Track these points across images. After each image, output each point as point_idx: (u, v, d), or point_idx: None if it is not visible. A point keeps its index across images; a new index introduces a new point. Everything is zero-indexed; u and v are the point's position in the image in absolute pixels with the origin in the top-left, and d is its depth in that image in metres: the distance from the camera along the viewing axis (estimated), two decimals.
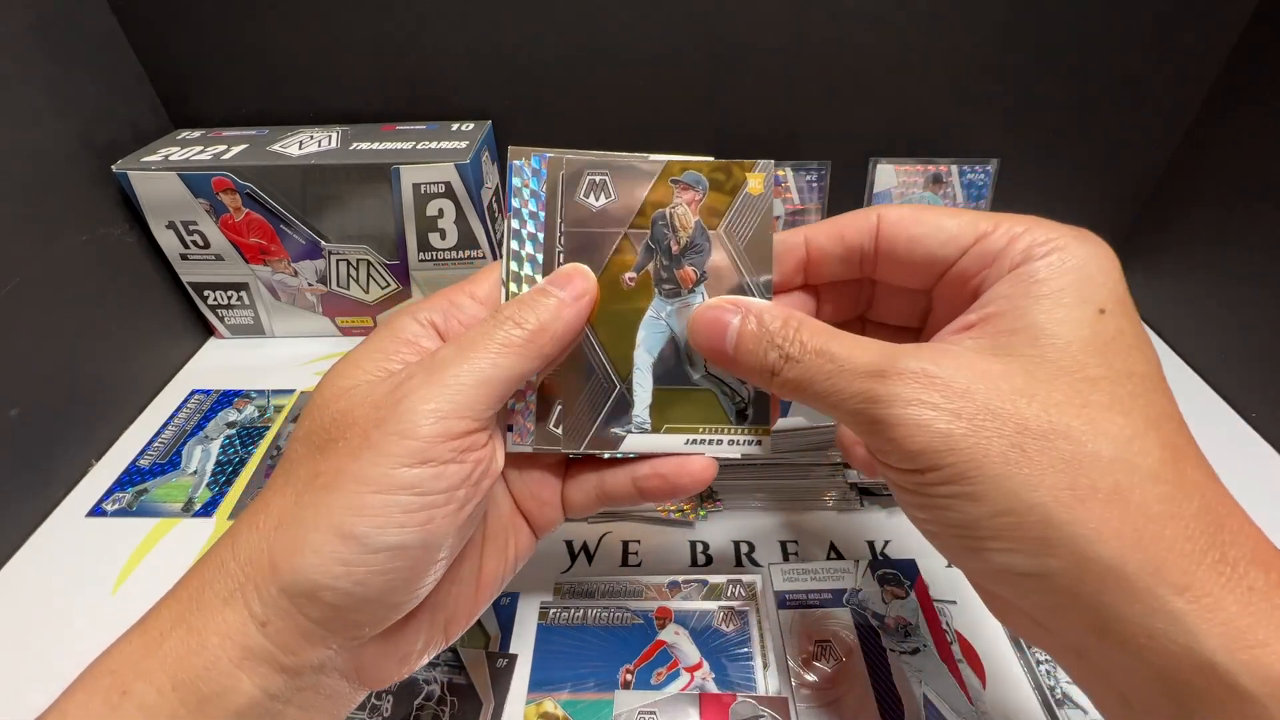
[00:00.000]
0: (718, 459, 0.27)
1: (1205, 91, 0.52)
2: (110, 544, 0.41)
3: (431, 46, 0.52)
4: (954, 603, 0.37)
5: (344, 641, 0.22)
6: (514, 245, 0.25)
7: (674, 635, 0.35)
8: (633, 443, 0.26)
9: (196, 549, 0.40)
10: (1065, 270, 0.21)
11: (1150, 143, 0.55)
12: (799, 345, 0.22)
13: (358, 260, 0.53)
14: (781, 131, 0.55)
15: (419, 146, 0.49)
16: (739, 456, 0.27)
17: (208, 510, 0.43)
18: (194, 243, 0.52)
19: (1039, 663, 0.33)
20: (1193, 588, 0.17)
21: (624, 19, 0.50)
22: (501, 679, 0.34)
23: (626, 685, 0.33)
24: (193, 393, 0.53)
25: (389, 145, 0.50)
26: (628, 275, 0.26)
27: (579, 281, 0.25)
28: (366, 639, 0.23)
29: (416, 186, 0.49)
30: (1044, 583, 0.19)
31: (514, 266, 0.25)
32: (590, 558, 0.40)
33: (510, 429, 0.26)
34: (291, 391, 0.53)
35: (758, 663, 0.34)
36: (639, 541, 0.41)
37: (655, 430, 0.26)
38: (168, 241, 0.52)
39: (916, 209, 0.25)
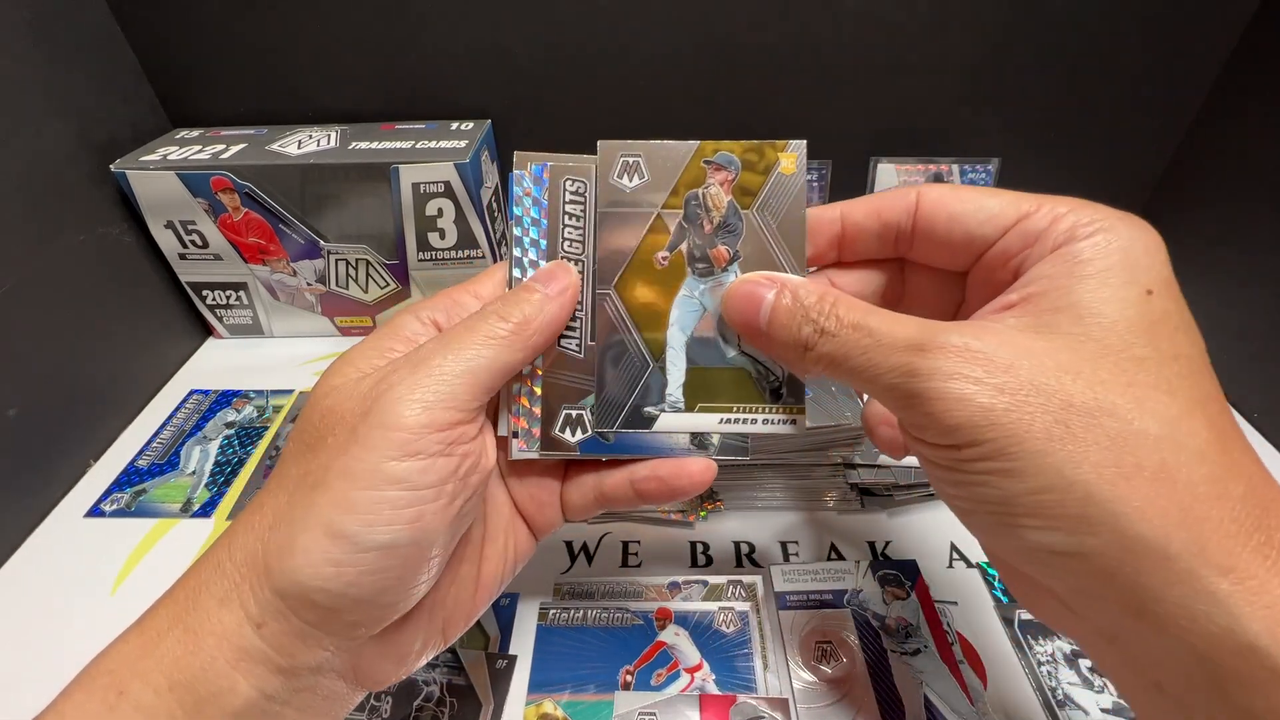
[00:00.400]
0: (749, 433, 0.26)
1: (1206, 91, 0.52)
2: (109, 544, 0.41)
3: (431, 46, 0.51)
4: (955, 603, 0.37)
5: (340, 643, 0.22)
6: (516, 252, 0.26)
7: (674, 636, 0.35)
8: (666, 422, 0.26)
9: (195, 549, 0.40)
10: (1111, 251, 0.20)
11: (1150, 143, 0.55)
12: (835, 320, 0.22)
13: (357, 260, 0.53)
14: (781, 131, 0.55)
15: (418, 146, 0.49)
16: (769, 434, 0.26)
17: (206, 511, 0.43)
18: (192, 242, 0.52)
19: (1040, 664, 0.33)
20: (1237, 570, 0.17)
21: (624, 18, 0.50)
22: (501, 680, 0.34)
23: (626, 686, 0.33)
24: (191, 393, 0.53)
25: (388, 145, 0.50)
26: (660, 254, 0.26)
27: (561, 278, 0.25)
28: (364, 640, 0.23)
29: (416, 186, 0.49)
30: (1081, 563, 0.18)
31: (517, 273, 0.26)
32: (590, 558, 0.40)
33: (515, 435, 0.26)
34: (290, 391, 0.53)
35: (758, 664, 0.34)
36: (639, 542, 0.41)
37: (689, 409, 0.26)
38: (166, 241, 0.52)
39: (956, 188, 0.24)
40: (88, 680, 0.21)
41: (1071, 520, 0.18)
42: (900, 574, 0.38)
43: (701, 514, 0.41)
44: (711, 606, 0.37)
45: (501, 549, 0.28)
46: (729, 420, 0.26)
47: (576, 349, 0.26)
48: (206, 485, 0.45)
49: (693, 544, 0.40)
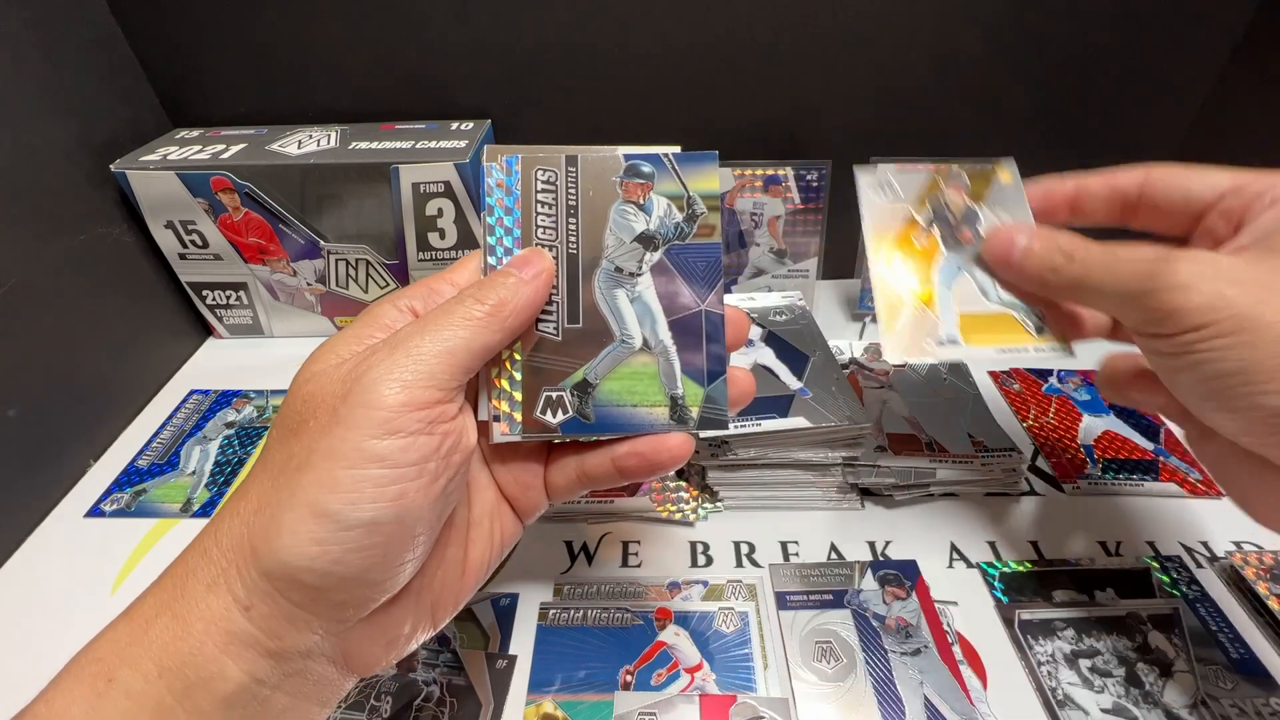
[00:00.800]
0: (1018, 362, 0.34)
1: (1207, 91, 0.52)
2: (109, 544, 0.41)
3: (431, 46, 0.51)
4: (955, 603, 0.37)
5: (329, 625, 0.22)
6: (490, 240, 0.26)
7: (674, 636, 0.35)
8: (946, 353, 0.32)
9: None
10: None
11: (1152, 142, 0.55)
12: (1082, 248, 0.28)
13: (357, 260, 0.53)
14: (781, 131, 0.55)
15: (418, 146, 0.49)
16: (1042, 358, 0.31)
17: (206, 510, 0.43)
18: (192, 242, 0.52)
19: (1040, 664, 0.33)
20: None
21: (624, 18, 0.50)
22: (501, 680, 0.34)
23: (626, 686, 0.33)
24: (191, 393, 0.53)
25: (388, 144, 0.50)
26: (915, 237, 0.35)
27: (536, 262, 0.26)
28: (352, 622, 0.23)
29: (416, 186, 0.49)
30: None
31: (491, 260, 0.26)
32: (590, 558, 0.40)
33: (496, 419, 0.26)
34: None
35: (758, 663, 0.34)
36: (639, 542, 0.41)
37: (967, 343, 0.32)
38: (166, 241, 0.52)
39: (1178, 165, 0.29)
40: (77, 668, 0.21)
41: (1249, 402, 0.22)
42: (900, 574, 0.38)
43: (701, 514, 0.41)
44: (711, 606, 0.37)
45: (488, 532, 0.28)
46: (1005, 350, 0.32)
47: (554, 332, 0.27)
48: (207, 485, 0.45)
49: (693, 544, 0.40)
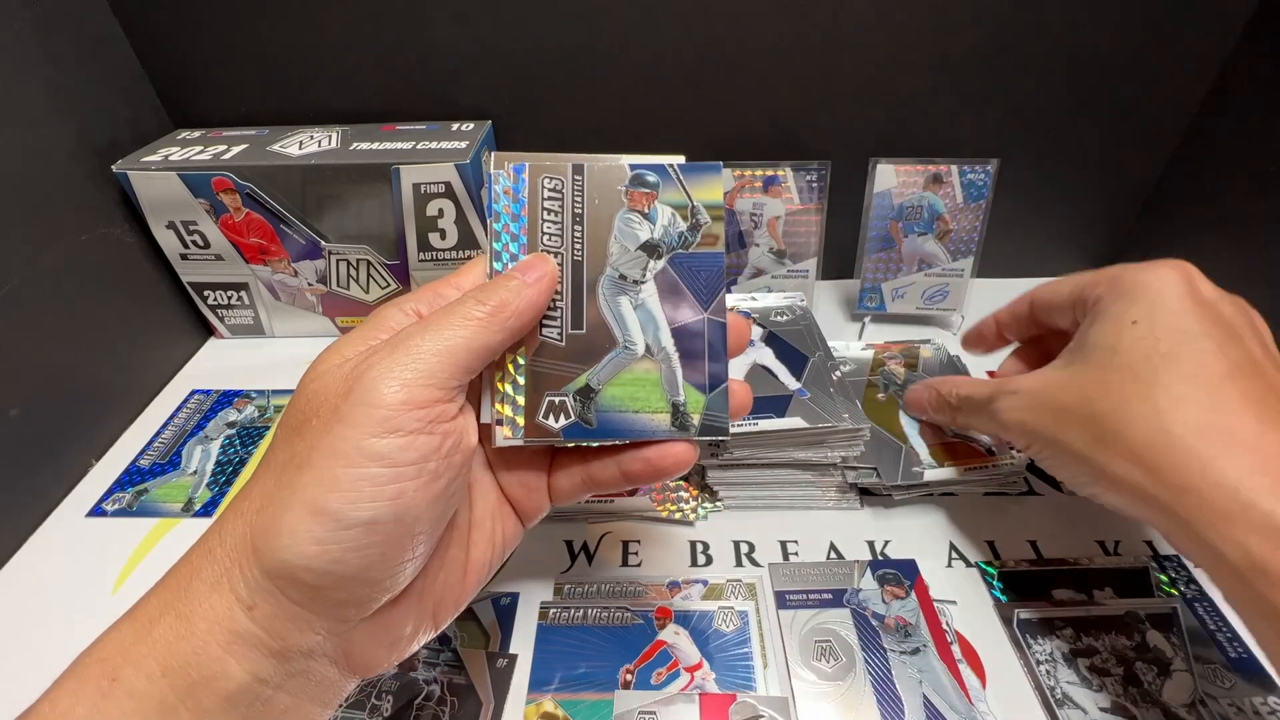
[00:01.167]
0: (935, 479, 0.40)
1: (1205, 91, 0.52)
2: (110, 544, 0.41)
3: (431, 46, 0.52)
4: (954, 603, 0.37)
5: (330, 625, 0.22)
6: (496, 247, 0.27)
7: (674, 635, 0.35)
8: (929, 475, 0.40)
9: None
10: (1114, 300, 0.31)
11: (1150, 142, 0.55)
12: (957, 397, 0.39)
13: (358, 260, 0.53)
14: (782, 131, 0.55)
15: (419, 146, 0.49)
16: (999, 475, 0.41)
17: (208, 510, 0.43)
18: (194, 243, 0.52)
19: (1039, 663, 0.33)
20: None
21: (624, 18, 0.50)
22: (501, 679, 0.34)
23: (626, 685, 0.33)
24: (193, 393, 0.53)
25: (389, 145, 0.50)
26: (877, 396, 0.46)
27: (539, 266, 0.26)
28: (354, 622, 0.23)
29: (416, 186, 0.49)
30: (1124, 503, 0.30)
31: (497, 266, 0.26)
32: (590, 558, 0.40)
33: (499, 423, 0.26)
34: (291, 392, 0.53)
35: (758, 663, 0.34)
36: (639, 541, 0.41)
37: (941, 466, 0.41)
38: (168, 241, 0.52)
39: (1052, 281, 0.36)
40: (81, 668, 0.21)
41: (1090, 482, 0.31)
42: (899, 573, 0.38)
43: (701, 513, 0.41)
44: (711, 606, 0.37)
45: (489, 534, 0.28)
46: (968, 470, 0.41)
47: (558, 337, 0.27)
48: (208, 485, 0.45)
49: (693, 543, 0.41)
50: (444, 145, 0.49)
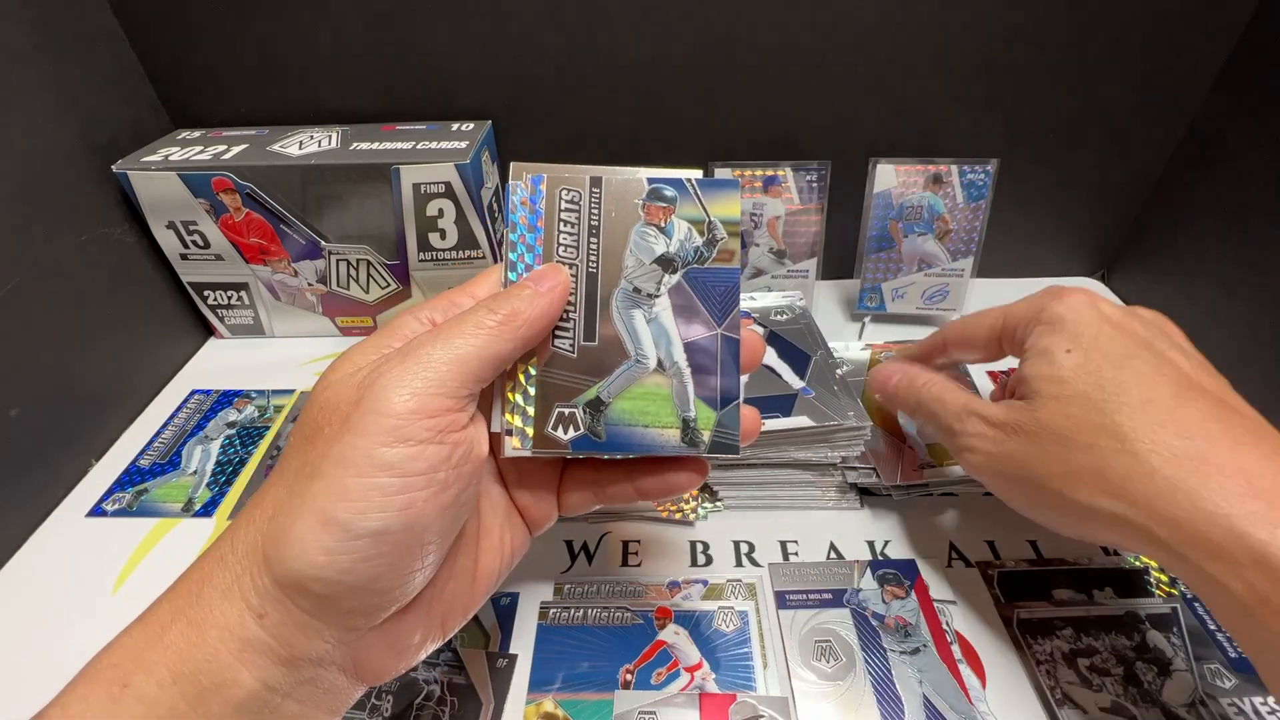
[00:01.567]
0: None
1: (1206, 91, 0.52)
2: (110, 544, 0.41)
3: (431, 47, 0.52)
4: (954, 603, 0.37)
5: (340, 634, 0.22)
6: (512, 257, 0.27)
7: (674, 635, 0.35)
8: (929, 474, 0.41)
9: (196, 549, 0.40)
10: (1044, 332, 0.32)
11: (1150, 143, 0.55)
12: (926, 392, 0.36)
13: (358, 260, 0.53)
14: (781, 131, 0.55)
15: (419, 146, 0.49)
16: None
17: (208, 510, 0.43)
18: (194, 243, 0.52)
19: (1039, 663, 0.33)
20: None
21: (624, 19, 0.50)
22: (501, 679, 0.34)
23: (626, 685, 0.33)
24: (193, 393, 0.53)
25: (389, 145, 0.50)
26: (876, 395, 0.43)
27: (552, 276, 0.26)
28: (363, 631, 0.23)
29: (416, 186, 0.49)
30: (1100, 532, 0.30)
31: (512, 276, 0.26)
32: (590, 558, 0.40)
33: (509, 433, 0.26)
34: (291, 391, 0.53)
35: (758, 663, 0.34)
36: (639, 541, 0.41)
37: (938, 465, 0.41)
38: (168, 241, 0.52)
39: (960, 319, 0.38)
40: (92, 674, 0.21)
41: (1076, 523, 0.30)
42: (899, 573, 0.38)
43: (701, 513, 0.41)
44: (711, 606, 0.37)
45: (498, 543, 0.28)
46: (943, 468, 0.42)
47: (570, 349, 0.27)
48: (208, 485, 0.45)
49: (693, 543, 0.41)
50: (444, 145, 0.49)
